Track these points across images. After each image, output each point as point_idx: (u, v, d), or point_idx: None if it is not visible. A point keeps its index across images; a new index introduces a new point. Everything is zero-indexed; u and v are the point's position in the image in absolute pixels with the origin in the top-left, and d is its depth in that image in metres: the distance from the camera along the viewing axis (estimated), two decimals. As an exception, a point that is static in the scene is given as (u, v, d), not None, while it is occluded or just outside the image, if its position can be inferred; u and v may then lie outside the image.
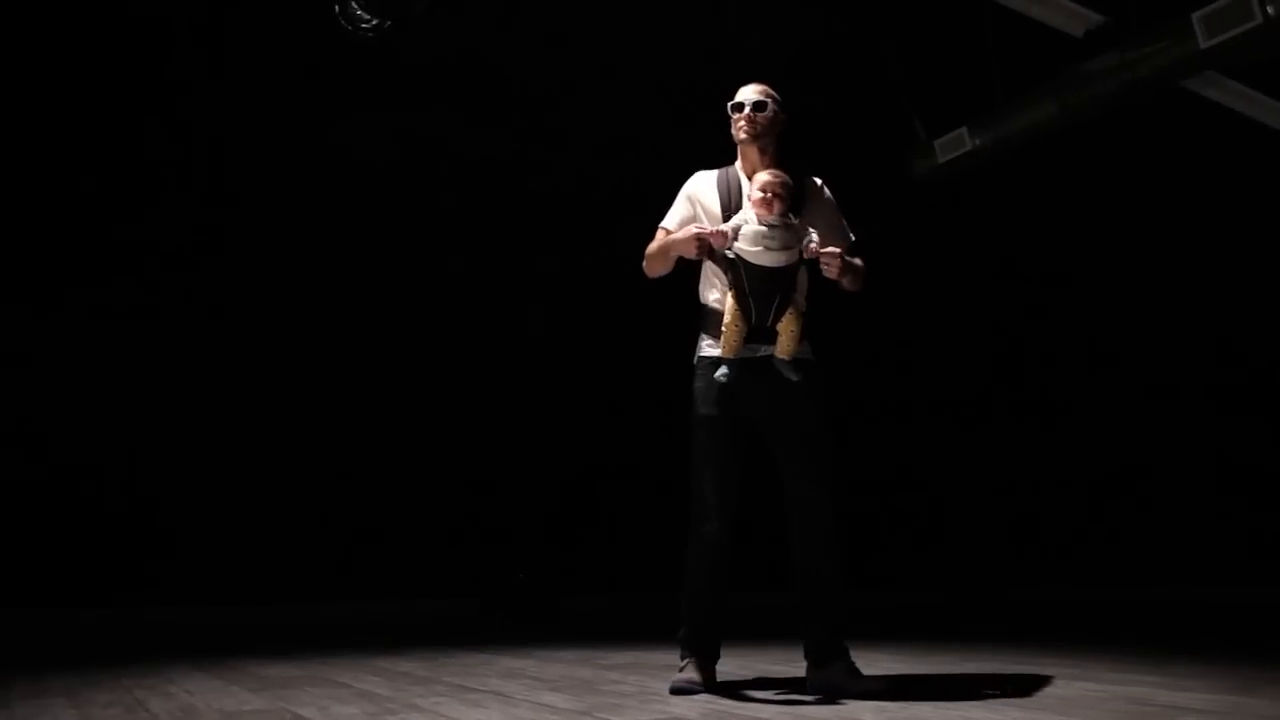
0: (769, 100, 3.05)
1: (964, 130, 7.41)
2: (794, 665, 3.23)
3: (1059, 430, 9.07)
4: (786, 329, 2.89)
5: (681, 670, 3.02)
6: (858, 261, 3.03)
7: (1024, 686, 3.00)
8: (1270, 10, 5.53)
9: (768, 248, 2.83)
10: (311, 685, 3.25)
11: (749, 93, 3.07)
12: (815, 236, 2.88)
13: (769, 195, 2.88)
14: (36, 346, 6.61)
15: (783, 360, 2.90)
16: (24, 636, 5.49)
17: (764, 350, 2.93)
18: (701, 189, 3.12)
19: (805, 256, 2.89)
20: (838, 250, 2.89)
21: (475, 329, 7.88)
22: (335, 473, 7.27)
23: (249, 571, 6.86)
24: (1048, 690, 2.92)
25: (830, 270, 2.88)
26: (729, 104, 3.09)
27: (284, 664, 3.94)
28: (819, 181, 3.14)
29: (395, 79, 7.36)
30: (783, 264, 2.85)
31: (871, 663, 3.33)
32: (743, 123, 3.05)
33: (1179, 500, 8.40)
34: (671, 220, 3.13)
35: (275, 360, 7.23)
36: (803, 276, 2.99)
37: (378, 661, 4.01)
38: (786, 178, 2.93)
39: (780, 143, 3.11)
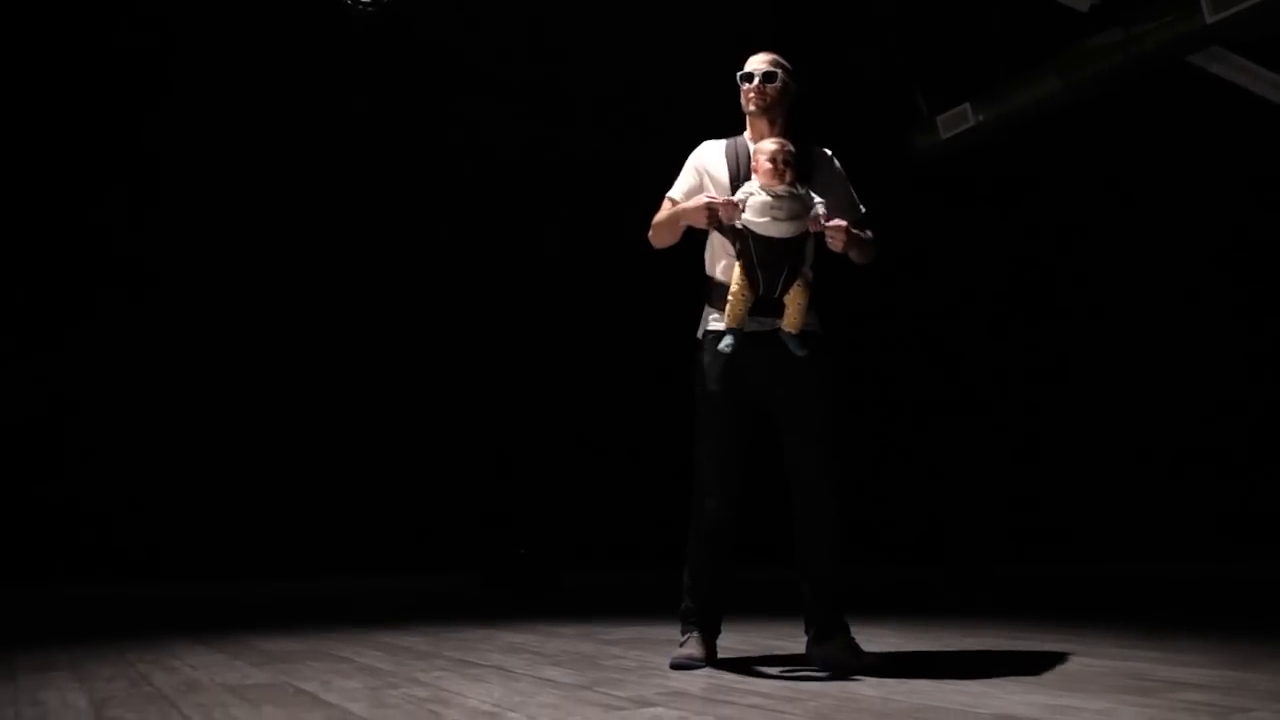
0: (779, 71, 3.00)
1: (967, 106, 7.37)
2: (795, 640, 3.24)
3: (1059, 408, 9.07)
4: (794, 301, 2.86)
5: (682, 645, 3.03)
6: (866, 234, 3.01)
7: (1024, 662, 3.01)
8: (1277, -16, 5.50)
9: (775, 218, 2.80)
10: (314, 659, 3.27)
11: (759, 63, 3.01)
12: (822, 209, 2.84)
13: (778, 164, 2.84)
14: (39, 330, 6.63)
15: (789, 334, 2.88)
16: (27, 612, 5.51)
17: (770, 324, 2.91)
18: (709, 159, 3.07)
19: (811, 230, 2.86)
20: (843, 224, 2.85)
21: (477, 305, 7.86)
22: (338, 448, 7.28)
23: (252, 546, 6.89)
24: (1047, 665, 2.92)
25: (835, 243, 2.85)
26: (738, 74, 3.03)
27: (286, 638, 3.96)
28: (829, 152, 3.10)
29: (394, 52, 7.33)
30: (791, 234, 2.82)
31: (872, 639, 3.34)
32: (752, 94, 3.00)
33: (1178, 476, 8.41)
34: (678, 190, 3.09)
35: (275, 335, 7.23)
36: (810, 247, 2.96)
37: (380, 636, 4.02)
38: (791, 146, 2.88)
39: (790, 114, 3.05)
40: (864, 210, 3.09)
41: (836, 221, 2.85)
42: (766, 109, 2.99)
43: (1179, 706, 2.26)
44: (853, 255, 2.94)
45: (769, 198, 2.80)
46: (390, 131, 7.66)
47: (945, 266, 9.14)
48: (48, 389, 6.61)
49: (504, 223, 7.96)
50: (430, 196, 7.78)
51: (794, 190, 2.83)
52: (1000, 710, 2.26)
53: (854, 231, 2.89)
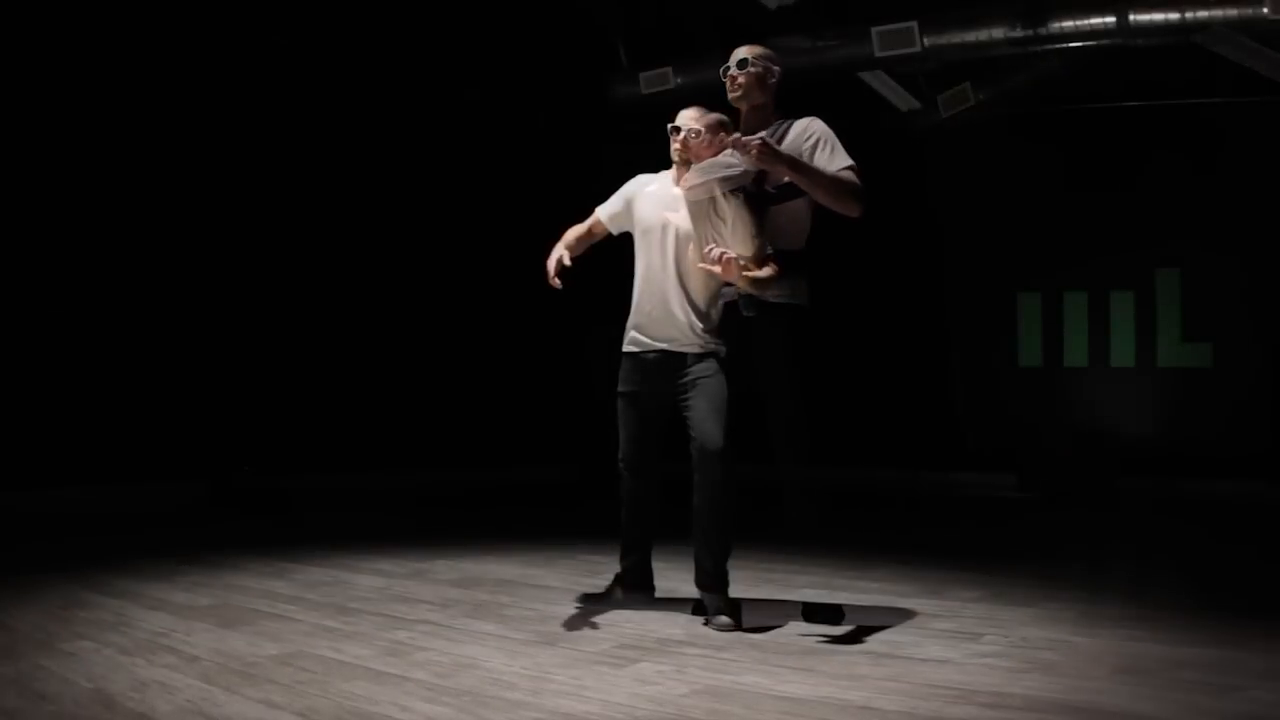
0: (750, 57, 3.18)
1: (968, 85, 7.35)
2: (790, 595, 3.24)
3: (1059, 381, 9.06)
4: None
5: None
6: (845, 176, 3.05)
7: (1020, 641, 3.01)
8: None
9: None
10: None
11: (735, 54, 3.20)
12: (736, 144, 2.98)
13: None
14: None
15: (741, 294, 3.10)
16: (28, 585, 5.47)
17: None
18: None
19: (724, 147, 3.07)
20: (754, 139, 2.91)
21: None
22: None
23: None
24: (1044, 645, 2.92)
25: (750, 156, 2.91)
26: (720, 70, 3.23)
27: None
28: (805, 121, 3.18)
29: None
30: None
31: (869, 613, 3.34)
32: (727, 84, 3.20)
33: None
34: None
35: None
36: (789, 214, 3.11)
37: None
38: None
39: (773, 95, 3.22)
40: (851, 164, 3.09)
41: (749, 139, 2.92)
42: (744, 95, 3.18)
43: (1175, 685, 2.27)
44: (820, 199, 3.04)
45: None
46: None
47: (945, 237, 9.08)
48: (63, 363, 6.50)
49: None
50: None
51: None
52: (997, 689, 2.28)
53: (771, 144, 2.94)
